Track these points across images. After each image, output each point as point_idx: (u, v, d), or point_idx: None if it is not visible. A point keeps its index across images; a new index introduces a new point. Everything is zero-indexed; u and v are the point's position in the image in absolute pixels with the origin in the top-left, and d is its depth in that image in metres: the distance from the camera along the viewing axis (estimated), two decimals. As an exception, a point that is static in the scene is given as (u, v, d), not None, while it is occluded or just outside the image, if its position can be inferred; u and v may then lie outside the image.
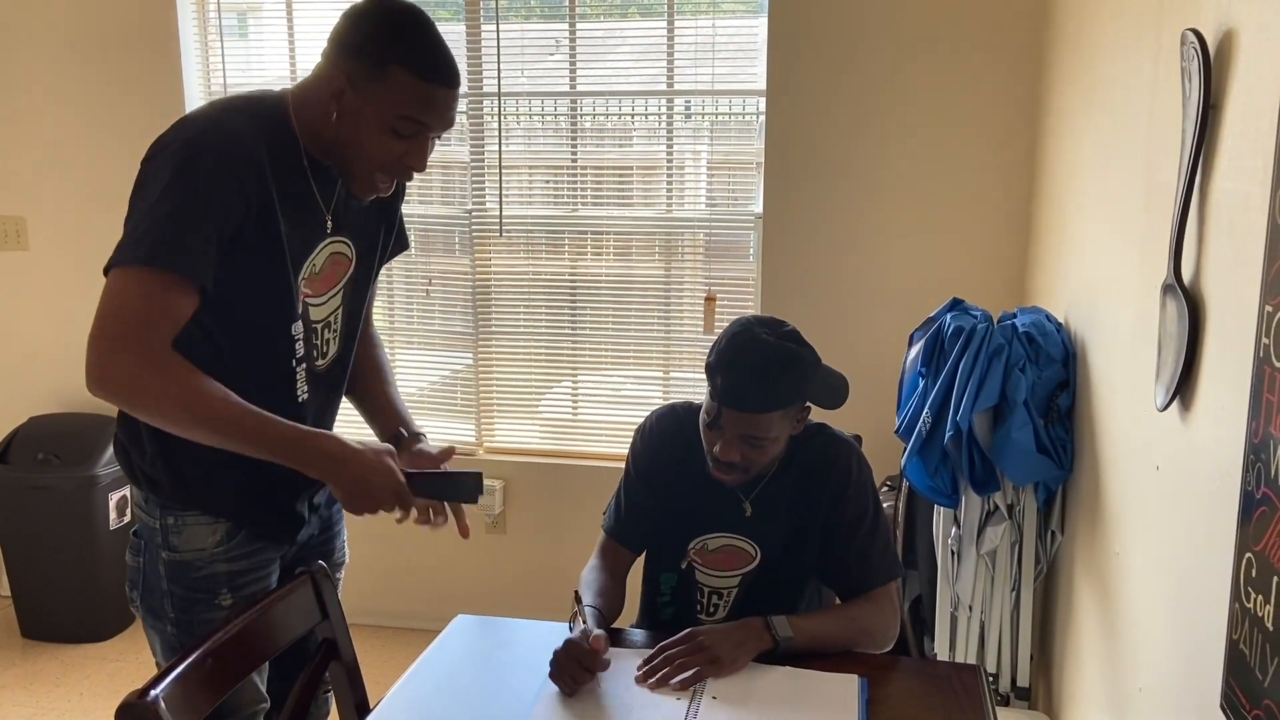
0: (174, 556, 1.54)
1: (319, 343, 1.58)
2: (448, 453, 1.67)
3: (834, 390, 1.69)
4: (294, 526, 1.63)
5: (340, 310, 1.62)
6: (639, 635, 1.72)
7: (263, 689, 1.59)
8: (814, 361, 1.67)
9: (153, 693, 1.22)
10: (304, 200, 1.50)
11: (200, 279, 1.37)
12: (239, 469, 1.45)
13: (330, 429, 1.66)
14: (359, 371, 1.75)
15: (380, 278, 1.79)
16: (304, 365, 1.56)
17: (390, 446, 1.51)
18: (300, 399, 1.56)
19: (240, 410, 1.38)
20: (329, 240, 1.55)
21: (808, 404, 1.70)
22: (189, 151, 1.37)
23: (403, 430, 1.71)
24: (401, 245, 1.75)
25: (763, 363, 1.61)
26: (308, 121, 1.48)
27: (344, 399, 1.74)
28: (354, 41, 1.44)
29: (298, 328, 1.53)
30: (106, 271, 1.37)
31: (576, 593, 1.67)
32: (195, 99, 3.34)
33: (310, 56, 3.34)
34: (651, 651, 1.56)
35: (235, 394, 1.39)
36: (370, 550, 3.02)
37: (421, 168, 1.51)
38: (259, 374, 1.50)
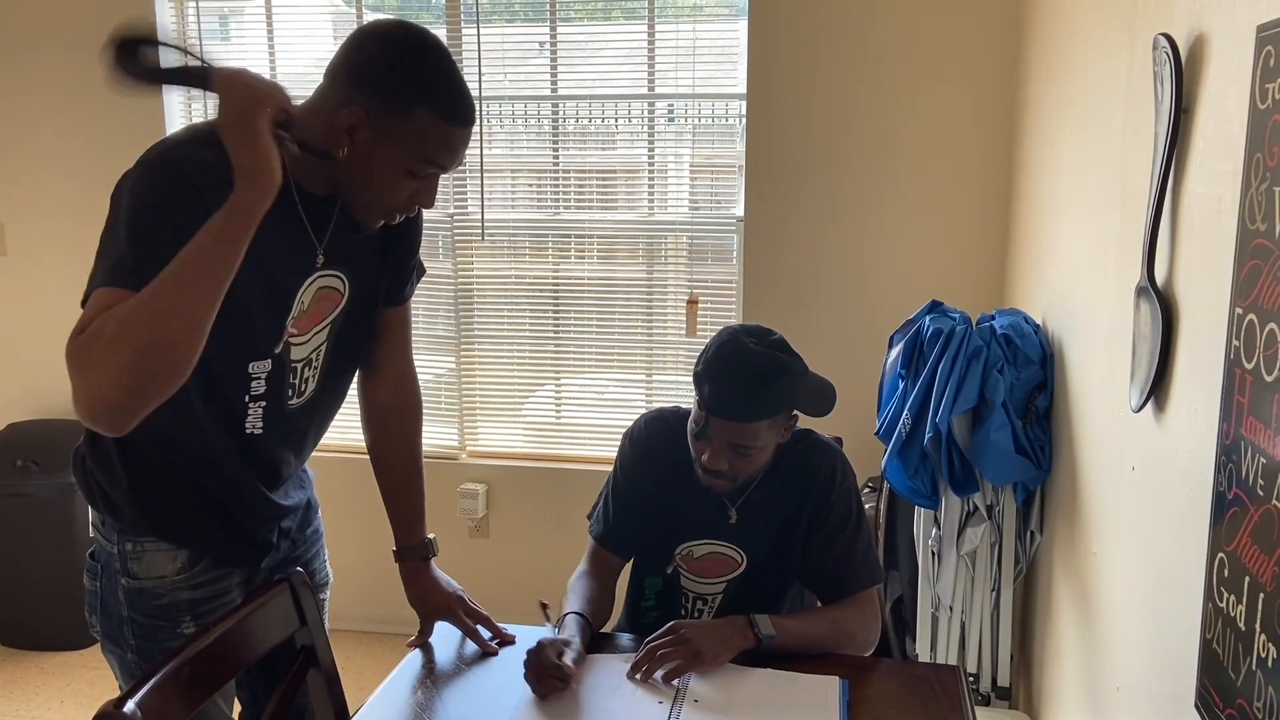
0: (134, 584, 1.48)
1: (296, 381, 1.49)
2: (460, 601, 1.70)
3: (821, 398, 1.70)
4: (259, 554, 1.58)
5: (325, 348, 1.52)
6: (624, 639, 1.73)
7: (226, 711, 1.56)
8: (801, 370, 1.67)
9: (130, 702, 1.21)
10: (291, 233, 1.41)
11: None
12: (200, 497, 1.38)
13: (302, 463, 1.61)
14: (393, 470, 1.72)
15: None
16: (262, 403, 1.46)
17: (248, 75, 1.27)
18: (250, 432, 1.47)
19: (186, 267, 1.20)
20: (318, 274, 1.46)
21: (795, 413, 1.71)
22: (146, 174, 1.29)
23: (422, 550, 1.72)
24: (419, 274, 1.68)
25: (750, 372, 1.61)
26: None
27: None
28: (374, 76, 1.32)
29: (259, 366, 1.43)
30: (83, 305, 1.28)
31: (542, 603, 1.67)
32: (174, 103, 3.32)
33: (291, 59, 3.34)
34: (639, 653, 1.57)
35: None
36: (350, 555, 3.01)
37: (431, 205, 1.44)
38: (204, 407, 1.42)
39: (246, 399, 1.45)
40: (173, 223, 1.24)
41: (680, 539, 1.78)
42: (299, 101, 1.36)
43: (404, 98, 1.33)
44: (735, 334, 1.67)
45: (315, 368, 1.52)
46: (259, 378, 1.45)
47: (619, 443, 1.87)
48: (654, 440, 1.81)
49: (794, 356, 1.67)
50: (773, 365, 1.63)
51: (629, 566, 1.87)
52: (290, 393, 1.50)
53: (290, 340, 1.46)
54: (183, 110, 3.35)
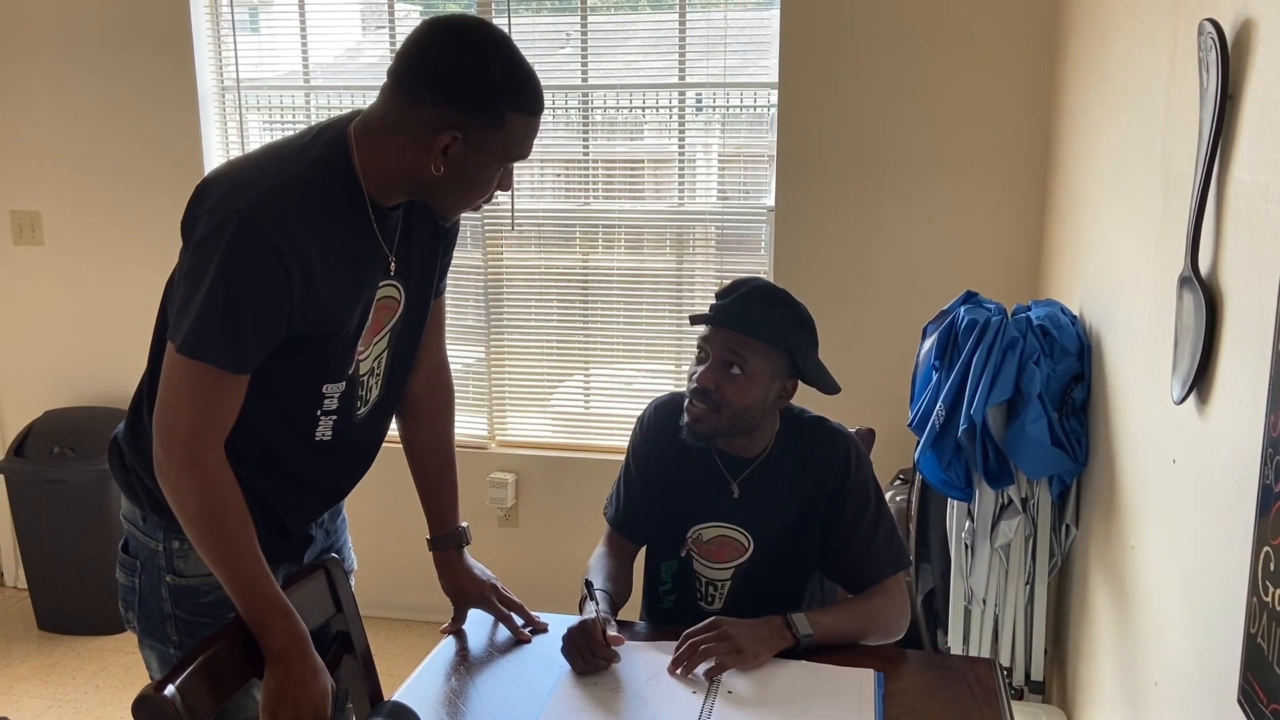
0: (180, 581, 1.48)
1: (363, 392, 1.52)
2: (494, 589, 1.72)
3: (825, 374, 1.73)
4: (302, 548, 1.59)
5: (386, 354, 1.54)
6: (642, 627, 1.75)
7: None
8: (810, 326, 1.73)
9: (170, 687, 1.22)
10: (369, 254, 1.43)
11: (247, 370, 1.35)
12: (249, 495, 1.40)
13: (364, 470, 1.62)
14: (426, 460, 1.73)
15: None
16: (333, 417, 1.49)
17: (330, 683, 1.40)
18: (320, 439, 1.50)
19: (241, 563, 1.36)
20: (381, 284, 1.47)
21: (795, 378, 1.73)
22: (237, 246, 1.29)
23: (456, 539, 1.74)
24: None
25: (759, 292, 1.71)
26: (382, 169, 1.38)
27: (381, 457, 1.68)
28: (466, 92, 1.32)
29: (333, 387, 1.46)
30: (169, 338, 1.34)
31: (588, 581, 1.71)
32: (208, 93, 3.35)
33: (321, 51, 3.36)
34: (678, 645, 1.58)
35: (250, 512, 1.37)
36: (382, 543, 3.04)
37: (510, 187, 1.46)
38: (275, 421, 1.45)
39: (318, 413, 1.48)
40: (258, 301, 1.31)
41: (690, 521, 1.80)
42: (370, 102, 1.40)
43: (497, 108, 1.34)
44: (751, 276, 1.77)
45: (378, 375, 1.55)
46: (332, 396, 1.47)
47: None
48: (661, 424, 1.83)
49: (808, 313, 1.74)
50: (785, 296, 1.72)
51: (645, 553, 1.89)
52: (359, 403, 1.53)
53: (358, 357, 1.48)
54: (218, 123, 3.37)
